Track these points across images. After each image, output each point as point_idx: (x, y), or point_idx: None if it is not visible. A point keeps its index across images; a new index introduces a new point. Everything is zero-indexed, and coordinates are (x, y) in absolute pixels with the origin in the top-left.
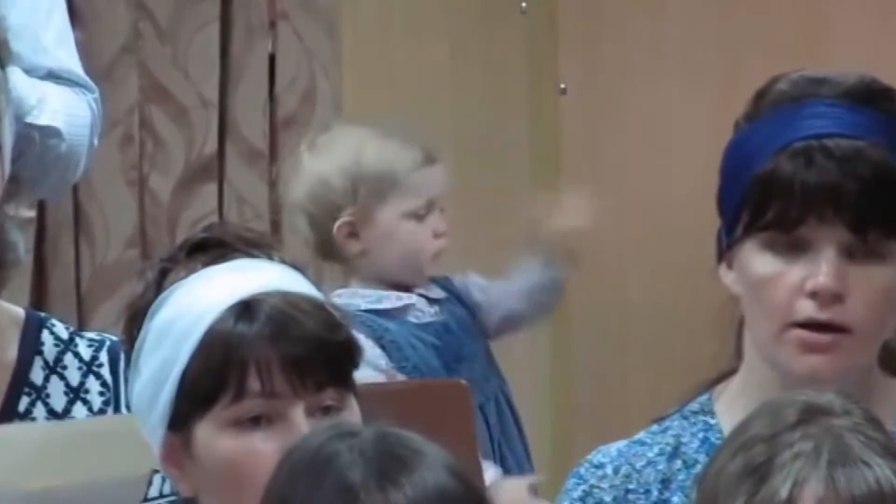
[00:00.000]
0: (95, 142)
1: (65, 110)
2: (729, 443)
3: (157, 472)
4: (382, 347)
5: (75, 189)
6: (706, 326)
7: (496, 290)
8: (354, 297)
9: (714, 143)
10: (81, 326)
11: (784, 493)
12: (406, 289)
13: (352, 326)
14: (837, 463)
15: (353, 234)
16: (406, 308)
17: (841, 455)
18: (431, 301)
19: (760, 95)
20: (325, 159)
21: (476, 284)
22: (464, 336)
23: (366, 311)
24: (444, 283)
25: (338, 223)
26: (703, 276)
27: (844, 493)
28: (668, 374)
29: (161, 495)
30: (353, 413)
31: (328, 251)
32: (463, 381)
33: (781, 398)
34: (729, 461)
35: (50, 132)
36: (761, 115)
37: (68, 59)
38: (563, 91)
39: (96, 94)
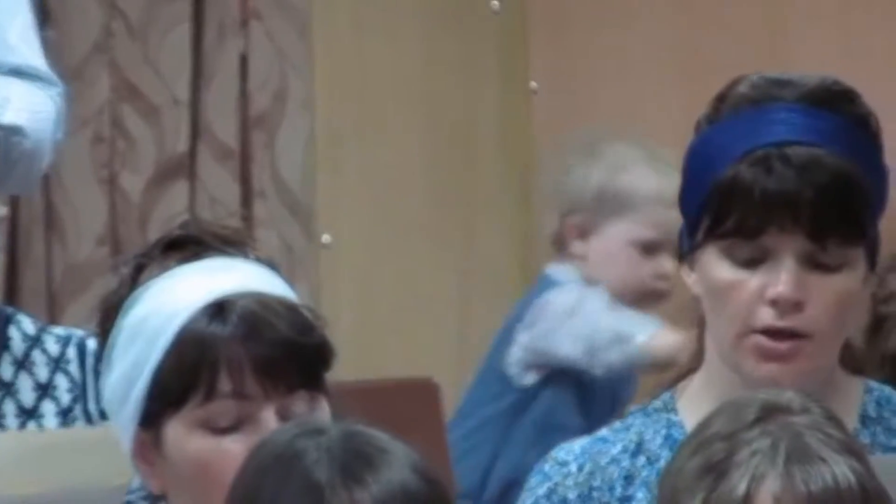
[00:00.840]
0: (60, 136)
1: (28, 107)
2: (689, 441)
3: None
4: None
5: (47, 187)
6: (673, 325)
7: None
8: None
9: (682, 142)
10: (52, 324)
11: (741, 489)
12: None
13: (324, 328)
14: (795, 460)
15: (583, 237)
16: None
17: (798, 452)
18: None
19: (721, 98)
20: (590, 161)
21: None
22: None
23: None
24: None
25: (571, 220)
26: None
27: (801, 490)
28: None
29: (138, 489)
30: (324, 415)
31: (559, 246)
32: (434, 380)
33: (741, 397)
34: (688, 459)
35: (14, 130)
36: (722, 118)
37: (32, 55)
38: (535, 91)
39: (60, 89)
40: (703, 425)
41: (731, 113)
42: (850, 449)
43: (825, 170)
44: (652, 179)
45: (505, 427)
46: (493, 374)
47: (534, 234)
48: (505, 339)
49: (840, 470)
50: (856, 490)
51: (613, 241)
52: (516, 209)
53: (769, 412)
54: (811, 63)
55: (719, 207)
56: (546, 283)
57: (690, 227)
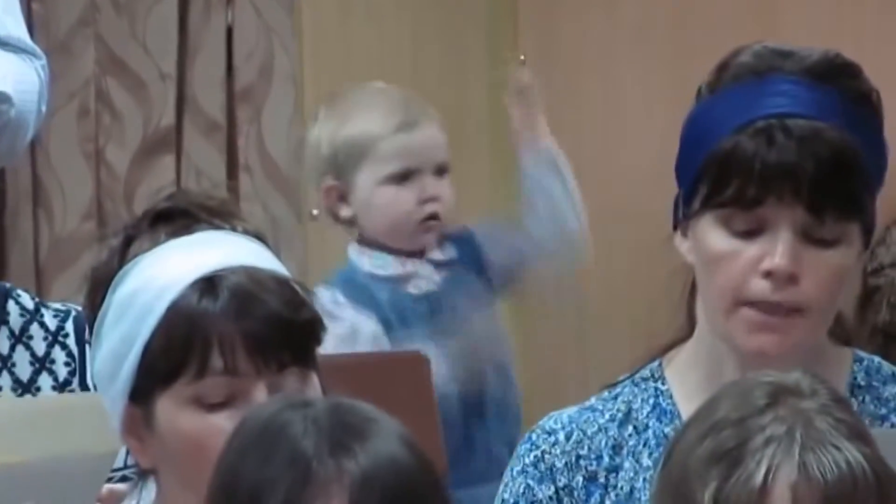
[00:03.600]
0: (43, 108)
1: (13, 76)
2: (695, 425)
3: None
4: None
5: (33, 161)
6: (660, 299)
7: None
8: (362, 256)
9: (669, 117)
10: (40, 297)
11: (758, 478)
12: (414, 253)
13: (315, 303)
14: (809, 447)
15: (343, 199)
16: (408, 277)
17: (812, 439)
18: (439, 266)
19: (723, 67)
20: (318, 125)
21: (493, 231)
22: (461, 306)
23: (368, 273)
24: (465, 239)
25: (323, 188)
26: (657, 250)
27: (816, 478)
28: (624, 346)
29: (126, 466)
30: (315, 392)
31: (331, 215)
32: (423, 353)
33: (747, 379)
34: (697, 445)
35: (0, 98)
36: (723, 88)
37: (15, 27)
38: (523, 63)
39: (44, 61)
40: (710, 408)
41: (733, 82)
42: (860, 433)
43: (826, 143)
44: (373, 115)
45: None
46: None
47: (517, 207)
48: None
49: (853, 457)
50: (870, 476)
51: (365, 190)
52: (504, 187)
53: (779, 396)
54: (801, 38)
55: (718, 177)
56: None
57: (687, 194)
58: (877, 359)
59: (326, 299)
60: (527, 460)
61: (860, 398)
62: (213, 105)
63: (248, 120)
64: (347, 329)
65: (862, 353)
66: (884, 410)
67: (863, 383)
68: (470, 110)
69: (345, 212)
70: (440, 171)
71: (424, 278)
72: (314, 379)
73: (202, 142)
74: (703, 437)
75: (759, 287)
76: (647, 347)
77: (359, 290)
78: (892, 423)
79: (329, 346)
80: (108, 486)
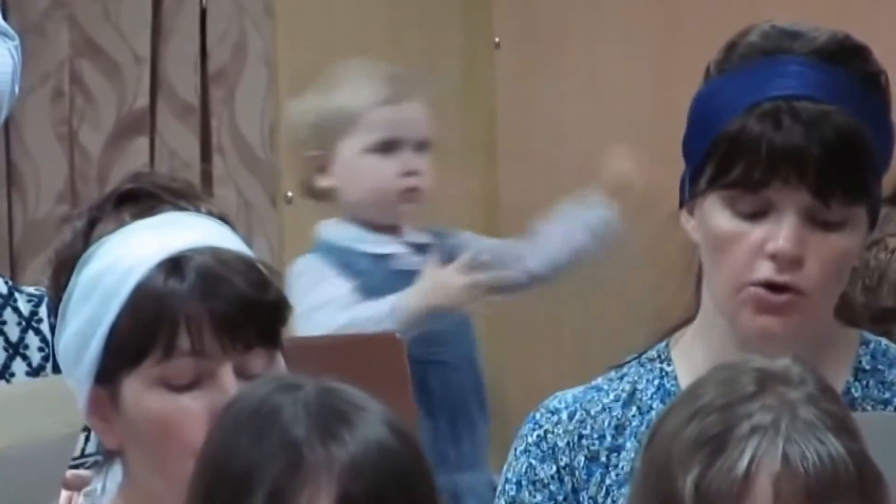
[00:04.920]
0: (16, 89)
1: None
2: (681, 408)
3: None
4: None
5: (7, 143)
6: (646, 278)
7: (522, 246)
8: (340, 231)
9: (648, 98)
10: (14, 280)
11: (741, 468)
12: (391, 230)
13: (281, 284)
14: (793, 439)
15: (323, 169)
16: (386, 254)
17: (797, 431)
18: (417, 248)
19: (731, 46)
20: (303, 98)
21: (482, 245)
22: None
23: (346, 247)
24: (438, 233)
25: (305, 157)
26: (637, 230)
27: (799, 470)
28: (600, 322)
29: (83, 455)
30: (280, 370)
31: (306, 188)
32: (397, 334)
33: (735, 364)
34: (682, 428)
35: None
36: (732, 68)
37: None
38: (497, 45)
39: (17, 42)
40: (696, 392)
41: (741, 62)
42: (846, 426)
43: (833, 127)
44: (361, 86)
45: None
46: None
47: (497, 186)
48: None
49: (836, 451)
50: (852, 471)
51: (349, 158)
52: (479, 163)
53: (766, 383)
54: (786, 17)
55: (724, 158)
56: (322, 246)
57: (693, 173)
58: (884, 341)
59: (304, 266)
60: (530, 439)
61: (864, 382)
62: (186, 87)
63: (221, 102)
64: (324, 296)
65: (869, 336)
66: (888, 394)
67: (868, 367)
68: (446, 90)
69: (324, 182)
70: (421, 146)
71: (403, 258)
72: (280, 359)
73: (176, 124)
74: (687, 422)
75: (764, 268)
76: (656, 327)
77: (338, 259)
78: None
79: (304, 308)
80: (73, 472)
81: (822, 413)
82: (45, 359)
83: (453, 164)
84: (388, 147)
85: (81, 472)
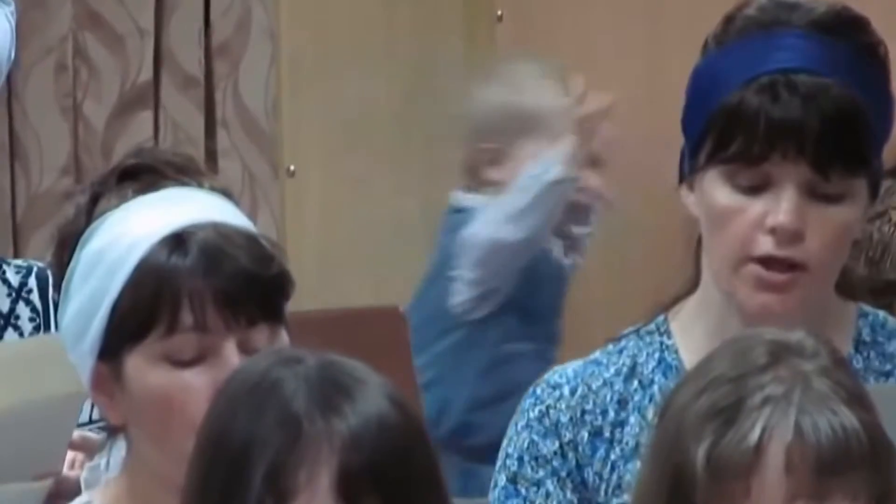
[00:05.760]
0: (13, 54)
1: None
2: (693, 380)
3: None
4: None
5: (10, 117)
6: (643, 254)
7: None
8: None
9: (643, 69)
10: (17, 254)
11: (753, 438)
12: None
13: (284, 259)
14: (806, 410)
15: (496, 162)
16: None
17: (810, 402)
18: (568, 250)
19: (729, 20)
20: (489, 88)
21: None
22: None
23: None
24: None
25: (482, 147)
26: (628, 199)
27: (811, 441)
28: (617, 297)
29: (91, 421)
30: (284, 343)
31: (473, 175)
32: (400, 308)
33: (748, 335)
34: (693, 400)
35: None
36: (729, 41)
37: None
38: (500, 18)
39: (12, 7)
40: (709, 364)
41: (739, 36)
42: (859, 398)
43: (831, 99)
44: (553, 93)
45: (455, 362)
46: (439, 309)
47: None
48: (439, 274)
49: (850, 422)
50: (864, 443)
51: (526, 160)
52: None
53: (779, 355)
54: None
55: (723, 132)
56: (459, 214)
57: (692, 148)
58: (882, 314)
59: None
60: (531, 415)
61: (865, 354)
62: (190, 60)
63: (225, 75)
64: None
65: (867, 308)
66: (889, 366)
67: (868, 339)
68: (446, 59)
69: (494, 175)
70: (596, 161)
71: (560, 257)
72: (283, 334)
73: (180, 97)
74: (700, 393)
75: (765, 243)
76: (655, 301)
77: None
78: None
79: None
80: (80, 433)
81: (835, 385)
82: (37, 328)
83: (454, 138)
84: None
85: (89, 434)
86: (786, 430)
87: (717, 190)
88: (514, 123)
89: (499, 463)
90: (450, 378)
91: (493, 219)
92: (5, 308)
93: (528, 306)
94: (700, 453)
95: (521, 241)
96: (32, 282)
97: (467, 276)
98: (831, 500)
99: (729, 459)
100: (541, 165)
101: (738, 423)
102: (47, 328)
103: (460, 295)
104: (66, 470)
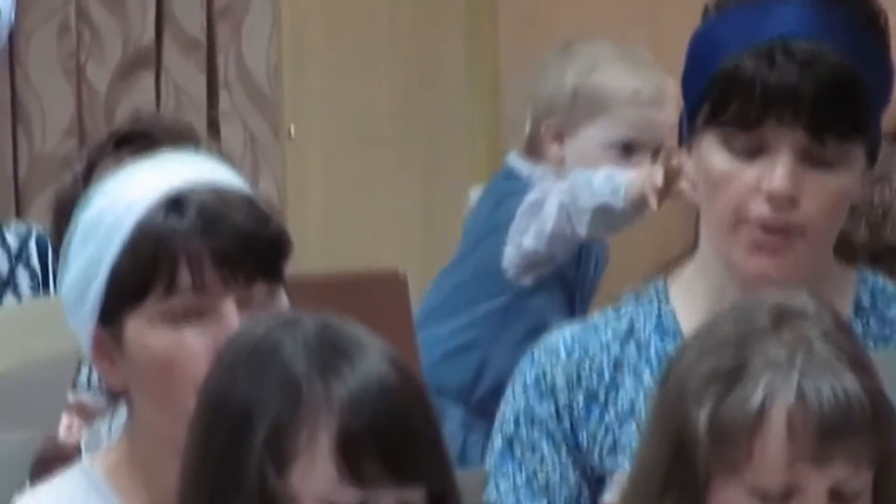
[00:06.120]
0: (13, 17)
1: None
2: (696, 343)
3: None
4: None
5: (12, 79)
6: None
7: None
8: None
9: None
10: (19, 216)
11: (756, 401)
12: None
13: (281, 219)
14: (809, 374)
15: (559, 140)
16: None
17: (812, 366)
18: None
19: None
20: (564, 62)
21: None
22: None
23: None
24: None
25: (546, 123)
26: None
27: (813, 405)
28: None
29: (90, 386)
30: (282, 306)
31: (534, 147)
32: (401, 272)
33: (752, 299)
34: (696, 363)
35: None
36: (729, 7)
37: None
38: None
39: None
40: (712, 327)
41: (737, 1)
42: (861, 363)
43: (827, 65)
44: (626, 78)
45: (498, 326)
46: (486, 272)
47: (498, 126)
48: (490, 233)
49: (852, 387)
50: (867, 408)
51: (590, 143)
52: (481, 99)
53: (782, 318)
54: None
55: (720, 97)
56: (512, 176)
57: (690, 112)
58: (882, 279)
59: (525, 168)
60: (528, 378)
61: (865, 319)
62: (192, 23)
63: (227, 38)
64: (538, 196)
65: (867, 273)
66: (888, 331)
67: (867, 304)
68: (448, 52)
69: (554, 152)
70: (657, 153)
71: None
72: (282, 293)
73: (182, 59)
74: (702, 356)
75: (760, 208)
76: (653, 264)
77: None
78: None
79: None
80: (77, 399)
81: (837, 349)
82: (36, 292)
83: (455, 128)
84: (628, 148)
85: (86, 399)
86: (788, 394)
87: (713, 154)
88: (582, 103)
89: (496, 425)
90: (491, 342)
91: (563, 196)
92: (4, 271)
93: (575, 281)
94: (702, 416)
95: (584, 236)
96: (32, 246)
97: (527, 244)
98: (833, 464)
99: (731, 423)
100: (625, 180)
101: (740, 387)
102: (46, 292)
103: (513, 260)
104: (63, 434)
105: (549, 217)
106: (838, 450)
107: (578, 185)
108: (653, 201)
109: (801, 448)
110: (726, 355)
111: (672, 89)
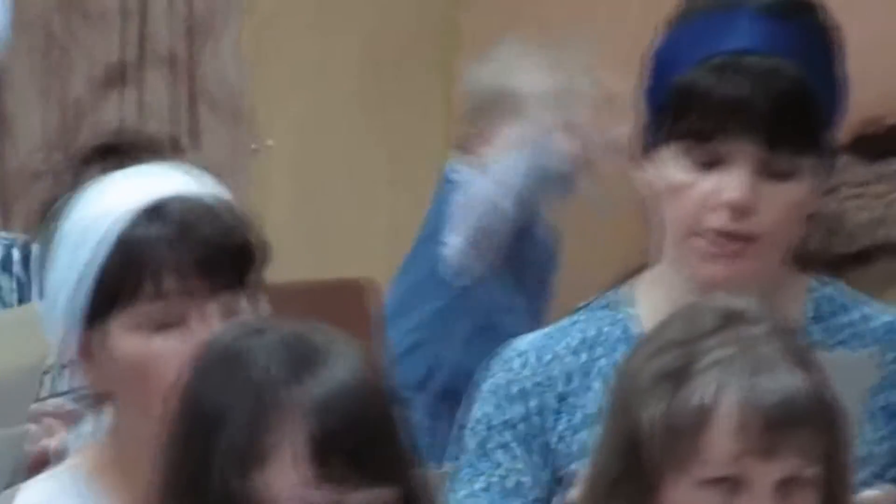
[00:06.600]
0: (9, 35)
1: None
2: (645, 346)
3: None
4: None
5: None
6: (616, 223)
7: None
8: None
9: (641, 17)
10: (5, 224)
11: (703, 399)
12: None
13: (258, 228)
14: (753, 371)
15: (485, 140)
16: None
17: (757, 364)
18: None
19: (687, 1)
20: (487, 66)
21: None
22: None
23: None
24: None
25: (474, 126)
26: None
27: (759, 401)
28: (584, 264)
29: (70, 389)
30: (263, 311)
31: (465, 147)
32: (372, 279)
33: (699, 303)
34: (645, 364)
35: None
36: (688, 22)
37: None
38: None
39: None
40: (660, 330)
41: (697, 17)
42: (805, 360)
43: (781, 79)
44: (541, 78)
45: (443, 325)
46: (428, 274)
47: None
48: (429, 240)
49: (796, 383)
50: (811, 402)
51: (510, 143)
52: (446, 111)
53: (727, 320)
54: None
55: (677, 109)
56: (448, 179)
57: (649, 125)
58: (835, 285)
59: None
60: (499, 381)
61: (819, 325)
62: (168, 40)
63: (201, 55)
64: (464, 196)
65: (820, 281)
66: (839, 337)
67: (821, 311)
68: (427, 38)
69: (483, 152)
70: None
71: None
72: (260, 300)
73: (158, 74)
74: (651, 357)
75: (716, 217)
76: (619, 271)
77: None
78: (849, 349)
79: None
80: (55, 401)
81: (781, 347)
82: (20, 300)
83: (421, 111)
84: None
85: (63, 403)
86: (733, 391)
87: (671, 166)
88: (500, 105)
89: (468, 427)
90: (440, 340)
91: (484, 187)
92: None
93: (517, 275)
94: (651, 415)
95: (509, 210)
96: (16, 254)
97: (457, 240)
98: (780, 457)
99: (679, 420)
100: (530, 149)
101: (687, 386)
102: (29, 299)
103: (448, 260)
104: (42, 439)
105: (473, 212)
106: (784, 444)
107: (502, 168)
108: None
109: (748, 442)
110: (674, 356)
111: (589, 88)
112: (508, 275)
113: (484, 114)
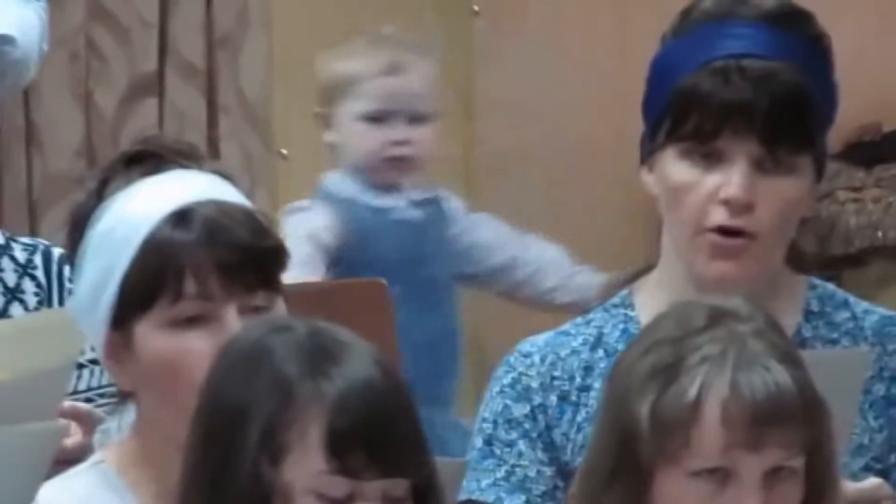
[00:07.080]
0: (45, 47)
1: (17, 20)
2: (638, 343)
3: (83, 366)
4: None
5: (26, 102)
6: (593, 222)
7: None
8: (341, 180)
9: (609, 55)
10: (33, 230)
11: (692, 394)
12: (389, 186)
13: (279, 232)
14: (741, 367)
15: (328, 126)
16: (386, 210)
17: (744, 360)
18: (417, 204)
19: (685, 13)
20: (328, 57)
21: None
22: (435, 241)
23: (348, 196)
24: (437, 194)
25: (315, 113)
26: (601, 178)
27: (747, 397)
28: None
29: (89, 388)
30: (280, 313)
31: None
32: (382, 281)
33: (690, 302)
34: (638, 360)
35: (5, 40)
36: (686, 32)
37: None
38: (477, 13)
39: (43, 3)
40: (653, 327)
41: (694, 26)
42: (791, 357)
43: (779, 81)
44: (363, 58)
45: None
46: None
47: (474, 145)
48: None
49: (782, 378)
50: (797, 398)
51: (345, 122)
52: (458, 122)
53: (717, 318)
54: None
55: (679, 113)
56: (324, 195)
57: (651, 130)
58: (830, 286)
59: (297, 206)
60: (505, 381)
61: (814, 323)
62: (193, 51)
63: (225, 65)
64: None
65: (816, 281)
66: (835, 335)
67: (816, 309)
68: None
69: (328, 137)
70: (417, 118)
71: (402, 210)
72: (280, 301)
73: (183, 86)
74: (644, 354)
75: (718, 214)
76: (619, 275)
77: (339, 209)
78: (843, 346)
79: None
80: (70, 403)
81: (768, 345)
82: (40, 303)
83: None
84: (378, 117)
85: (79, 405)
86: (722, 386)
87: (673, 166)
88: (332, 88)
89: (476, 426)
90: None
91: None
92: (12, 283)
93: (368, 264)
94: (644, 410)
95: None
96: (38, 259)
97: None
98: (766, 450)
99: (670, 414)
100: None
101: (678, 381)
102: (50, 303)
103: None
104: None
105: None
106: (771, 437)
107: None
108: None
109: (736, 436)
110: (665, 353)
111: (418, 53)
112: (359, 265)
113: (323, 103)
